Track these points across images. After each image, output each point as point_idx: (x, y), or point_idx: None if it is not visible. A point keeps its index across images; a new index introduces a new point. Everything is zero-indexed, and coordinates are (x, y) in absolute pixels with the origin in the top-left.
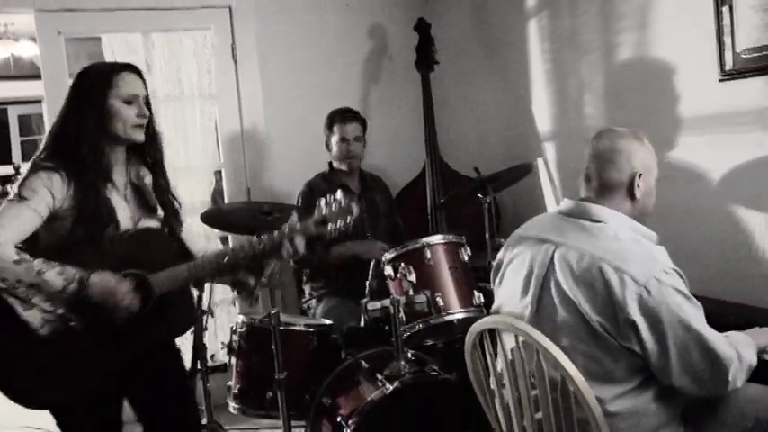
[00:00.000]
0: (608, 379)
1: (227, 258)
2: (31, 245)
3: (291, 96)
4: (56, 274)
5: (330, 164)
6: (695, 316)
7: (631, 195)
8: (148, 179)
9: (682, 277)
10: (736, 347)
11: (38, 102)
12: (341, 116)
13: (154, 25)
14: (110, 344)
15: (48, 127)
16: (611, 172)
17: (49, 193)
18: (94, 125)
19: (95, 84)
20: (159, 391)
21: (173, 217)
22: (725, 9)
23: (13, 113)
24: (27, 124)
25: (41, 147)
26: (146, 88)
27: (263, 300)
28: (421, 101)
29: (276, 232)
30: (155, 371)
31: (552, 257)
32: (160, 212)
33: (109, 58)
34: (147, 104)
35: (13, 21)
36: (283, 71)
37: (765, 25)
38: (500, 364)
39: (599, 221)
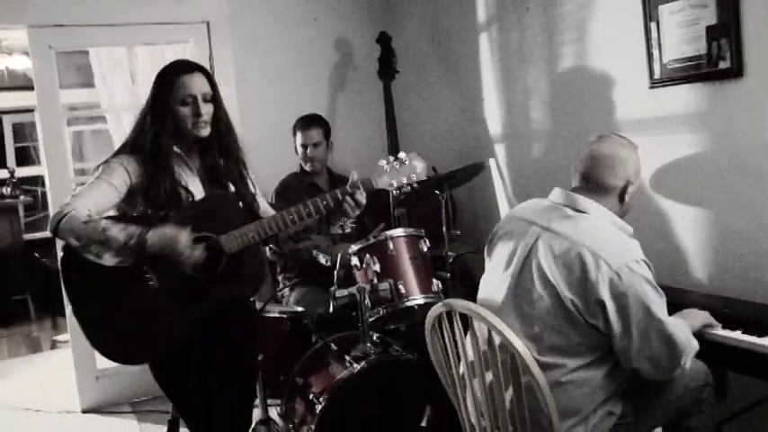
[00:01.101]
0: (572, 352)
1: (291, 216)
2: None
3: (265, 103)
4: (119, 231)
5: (301, 165)
6: (659, 304)
7: (621, 199)
8: (221, 162)
9: (650, 268)
10: (689, 336)
11: (30, 111)
12: (302, 123)
13: (137, 39)
14: (187, 300)
15: (40, 134)
16: (609, 177)
17: (126, 172)
18: (160, 128)
19: (159, 89)
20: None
21: (244, 188)
22: (653, 24)
23: (7, 122)
24: (21, 131)
25: (123, 143)
26: (211, 86)
27: None
28: (383, 107)
29: (338, 189)
30: (230, 328)
31: (537, 239)
32: (231, 188)
33: (96, 70)
34: (213, 100)
35: (7, 36)
36: (257, 81)
37: (688, 39)
38: (468, 345)
39: (583, 212)
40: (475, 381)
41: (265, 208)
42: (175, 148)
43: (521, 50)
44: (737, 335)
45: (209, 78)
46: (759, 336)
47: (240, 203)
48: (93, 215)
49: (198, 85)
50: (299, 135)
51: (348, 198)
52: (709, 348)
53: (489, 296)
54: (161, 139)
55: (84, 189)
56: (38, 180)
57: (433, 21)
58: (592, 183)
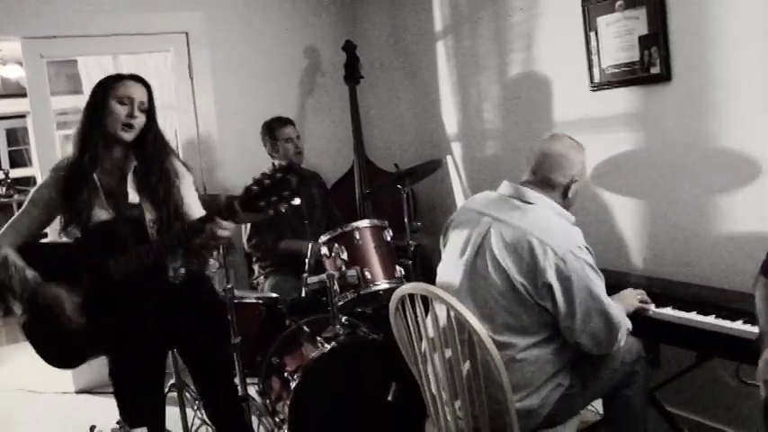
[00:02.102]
0: (523, 331)
1: (164, 245)
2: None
3: (240, 107)
4: (18, 281)
5: (273, 164)
6: (599, 286)
7: (565, 195)
8: (135, 178)
9: (591, 253)
10: (624, 319)
11: (23, 116)
12: (279, 122)
13: (122, 48)
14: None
15: (32, 138)
16: (557, 175)
17: (48, 194)
18: (92, 119)
19: (101, 88)
20: (203, 341)
21: (166, 199)
22: (592, 34)
23: (0, 127)
24: (14, 136)
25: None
26: (149, 97)
27: (218, 278)
28: (349, 109)
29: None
30: (199, 325)
31: (489, 228)
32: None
33: (84, 78)
34: (148, 113)
35: (2, 47)
36: (233, 86)
37: (623, 48)
38: (429, 324)
39: (530, 203)
40: (435, 357)
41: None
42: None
43: (474, 57)
44: (668, 311)
45: (150, 92)
46: (686, 311)
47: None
48: (19, 244)
49: (138, 92)
50: (278, 134)
51: (209, 233)
52: (645, 324)
53: (446, 281)
54: (91, 138)
55: (13, 219)
56: (30, 180)
57: (394, 30)
58: (540, 177)
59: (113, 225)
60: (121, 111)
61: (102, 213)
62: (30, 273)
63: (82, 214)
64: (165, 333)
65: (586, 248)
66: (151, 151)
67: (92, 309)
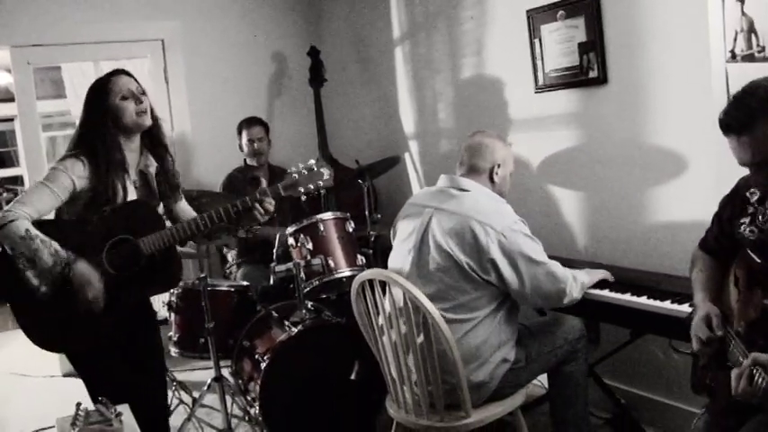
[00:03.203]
0: (472, 307)
1: (204, 222)
2: (57, 217)
3: (213, 109)
4: (48, 254)
5: (245, 161)
6: (538, 251)
7: (491, 179)
8: (153, 168)
9: (525, 224)
10: (573, 273)
11: (11, 120)
12: (247, 122)
13: (102, 55)
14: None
15: (19, 140)
16: (479, 160)
17: (69, 179)
18: (106, 123)
19: (96, 91)
20: (143, 341)
21: (169, 193)
22: (536, 41)
23: None
24: (2, 138)
25: (69, 146)
26: (138, 83)
27: (193, 267)
28: (313, 110)
29: (248, 197)
30: (142, 324)
31: (430, 218)
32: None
33: (67, 83)
34: (145, 95)
35: None
36: (206, 89)
37: (564, 53)
38: (387, 306)
39: (465, 190)
40: (393, 337)
41: (183, 206)
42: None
43: (429, 61)
44: (606, 293)
45: (137, 80)
46: (622, 293)
47: (164, 207)
48: (32, 221)
49: (131, 83)
50: (244, 133)
51: (257, 205)
52: (585, 305)
53: (396, 268)
54: (109, 136)
55: (28, 193)
56: (17, 180)
57: (356, 37)
58: (468, 167)
59: (138, 206)
60: (129, 105)
61: (131, 193)
62: (59, 247)
63: (117, 191)
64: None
65: (521, 221)
66: (157, 132)
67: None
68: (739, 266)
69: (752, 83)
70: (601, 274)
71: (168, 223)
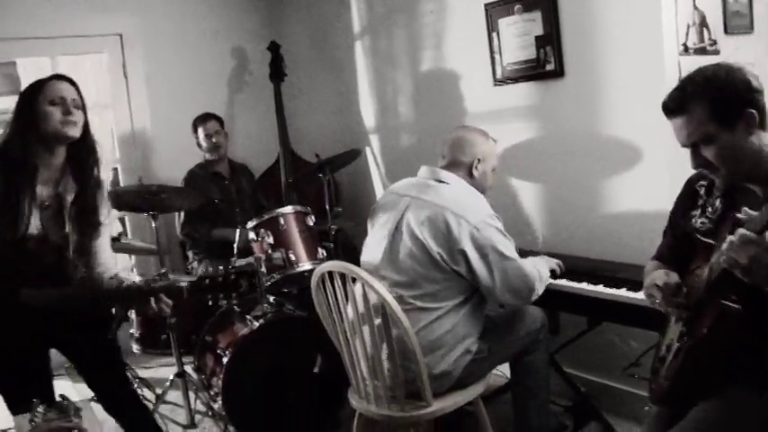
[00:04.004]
0: (440, 297)
1: (109, 297)
2: None
3: (173, 104)
4: None
5: (204, 157)
6: (510, 247)
7: (470, 173)
8: (71, 195)
9: (500, 220)
10: (538, 268)
11: None
12: (200, 119)
13: (59, 50)
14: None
15: None
16: (459, 154)
17: None
18: (25, 126)
19: (29, 92)
20: (85, 341)
21: (86, 228)
22: (494, 35)
23: None
24: None
25: None
26: (78, 95)
27: (155, 263)
28: (274, 105)
29: (146, 285)
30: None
31: (407, 207)
32: (68, 230)
33: (23, 78)
34: (82, 109)
35: None
36: (166, 84)
37: (521, 47)
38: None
39: (444, 182)
40: (354, 327)
41: (103, 244)
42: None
43: (389, 55)
44: (563, 282)
45: (79, 90)
46: (578, 282)
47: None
48: None
49: (68, 90)
50: (200, 129)
51: (152, 300)
52: (545, 295)
53: (370, 255)
54: (26, 144)
55: None
56: None
57: (315, 31)
58: (449, 160)
59: (39, 243)
60: (55, 111)
61: (34, 227)
62: None
63: (18, 224)
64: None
65: (496, 216)
66: (88, 153)
67: None
68: (698, 258)
69: (697, 68)
70: (554, 263)
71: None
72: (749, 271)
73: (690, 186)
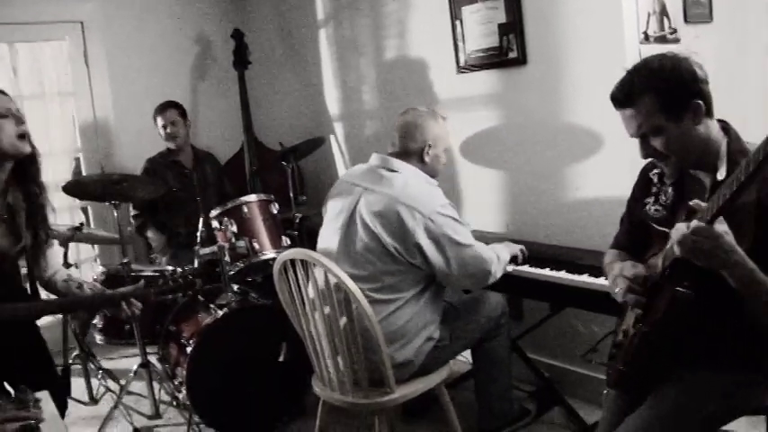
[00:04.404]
0: (398, 288)
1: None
2: None
3: (135, 92)
4: None
5: (167, 146)
6: (465, 235)
7: (422, 160)
8: (21, 206)
9: (454, 207)
10: (496, 251)
11: None
12: (159, 108)
13: (18, 37)
14: None
15: None
16: (409, 141)
17: None
18: None
19: None
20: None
21: (36, 245)
22: (457, 23)
23: None
24: None
25: None
26: (17, 108)
27: (118, 253)
28: (238, 93)
29: (116, 294)
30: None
31: (360, 197)
32: (25, 240)
33: None
34: (24, 119)
35: None
36: (128, 72)
37: (485, 34)
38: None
39: (396, 171)
40: (316, 316)
41: (55, 252)
42: None
43: (353, 43)
44: (526, 268)
45: (12, 100)
46: (541, 268)
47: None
48: None
49: (8, 101)
50: (158, 119)
51: (124, 304)
52: (508, 281)
53: (325, 246)
54: None
55: None
56: None
57: (280, 18)
58: (399, 147)
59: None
60: (8, 125)
61: None
62: None
63: None
64: None
65: (449, 205)
66: (29, 166)
67: None
68: (654, 246)
69: (644, 59)
70: (516, 249)
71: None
72: (700, 258)
73: (644, 174)
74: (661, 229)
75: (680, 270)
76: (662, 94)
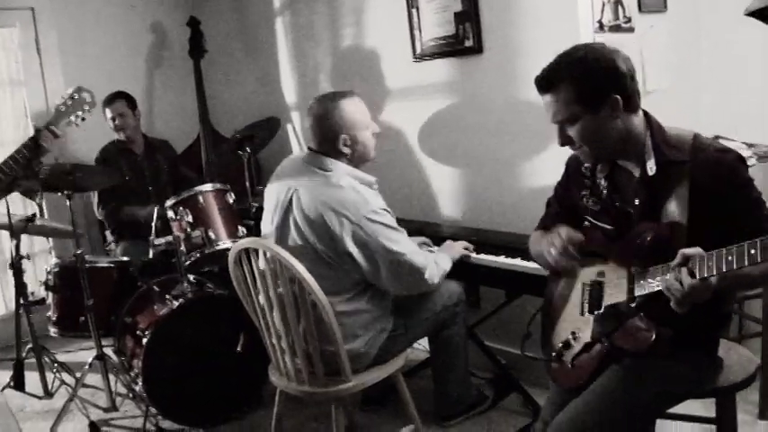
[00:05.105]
0: (335, 291)
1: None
2: None
3: (88, 81)
4: None
5: None
6: (398, 241)
7: (338, 152)
8: None
9: (388, 212)
10: (435, 258)
11: None
12: (106, 100)
13: None
14: None
15: None
16: (323, 140)
17: None
18: None
19: None
20: None
21: None
22: (414, 11)
23: None
24: None
25: None
26: None
27: (72, 245)
28: (194, 82)
29: (23, 144)
30: None
31: (291, 198)
32: None
33: None
34: None
35: None
36: (81, 61)
37: (441, 23)
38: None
39: (329, 170)
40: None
41: None
42: None
43: (310, 32)
44: (482, 256)
45: None
46: (497, 255)
47: None
48: None
49: None
50: (107, 111)
51: (44, 132)
52: (464, 269)
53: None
54: None
55: None
56: None
57: (236, 7)
58: (318, 143)
59: None
60: None
61: None
62: None
63: None
64: None
65: (384, 210)
66: None
67: None
68: (591, 240)
69: (574, 46)
70: (462, 250)
71: None
72: (680, 303)
73: (576, 166)
74: (601, 225)
75: (653, 304)
76: (580, 84)
